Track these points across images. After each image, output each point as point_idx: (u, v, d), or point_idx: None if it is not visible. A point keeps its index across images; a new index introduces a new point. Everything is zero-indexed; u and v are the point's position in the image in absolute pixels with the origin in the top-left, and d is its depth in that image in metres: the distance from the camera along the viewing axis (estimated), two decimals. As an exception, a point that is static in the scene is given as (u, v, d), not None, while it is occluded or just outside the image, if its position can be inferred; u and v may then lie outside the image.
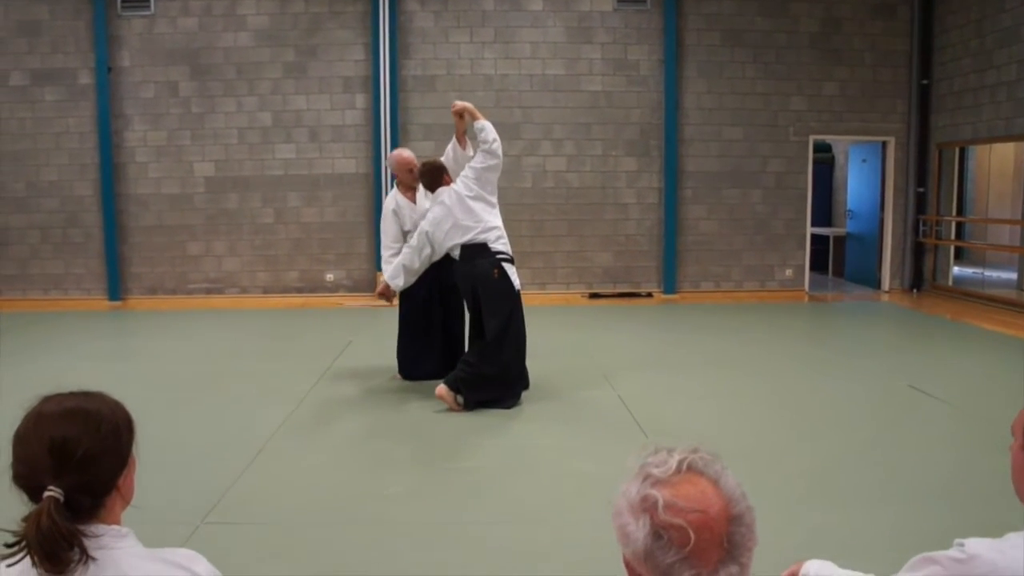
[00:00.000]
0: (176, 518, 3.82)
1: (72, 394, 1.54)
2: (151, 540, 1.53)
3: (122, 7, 10.93)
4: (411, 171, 6.42)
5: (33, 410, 1.49)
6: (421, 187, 6.27)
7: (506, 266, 5.79)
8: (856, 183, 12.71)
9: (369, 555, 3.57)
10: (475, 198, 5.82)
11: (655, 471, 1.24)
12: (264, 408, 5.81)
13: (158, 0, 10.96)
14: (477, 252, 5.76)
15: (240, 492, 4.26)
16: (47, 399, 1.52)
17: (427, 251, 5.95)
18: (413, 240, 6.04)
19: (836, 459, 4.69)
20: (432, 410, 5.74)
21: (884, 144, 11.66)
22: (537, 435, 5.25)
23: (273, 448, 5.00)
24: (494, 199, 5.93)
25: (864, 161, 12.31)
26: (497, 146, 5.85)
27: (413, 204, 6.45)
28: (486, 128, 5.90)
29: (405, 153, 6.68)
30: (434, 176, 6.01)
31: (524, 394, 6.05)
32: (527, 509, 4.04)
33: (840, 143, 13.53)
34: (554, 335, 8.66)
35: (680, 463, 1.24)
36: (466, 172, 5.89)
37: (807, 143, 11.44)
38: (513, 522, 3.89)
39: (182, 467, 4.53)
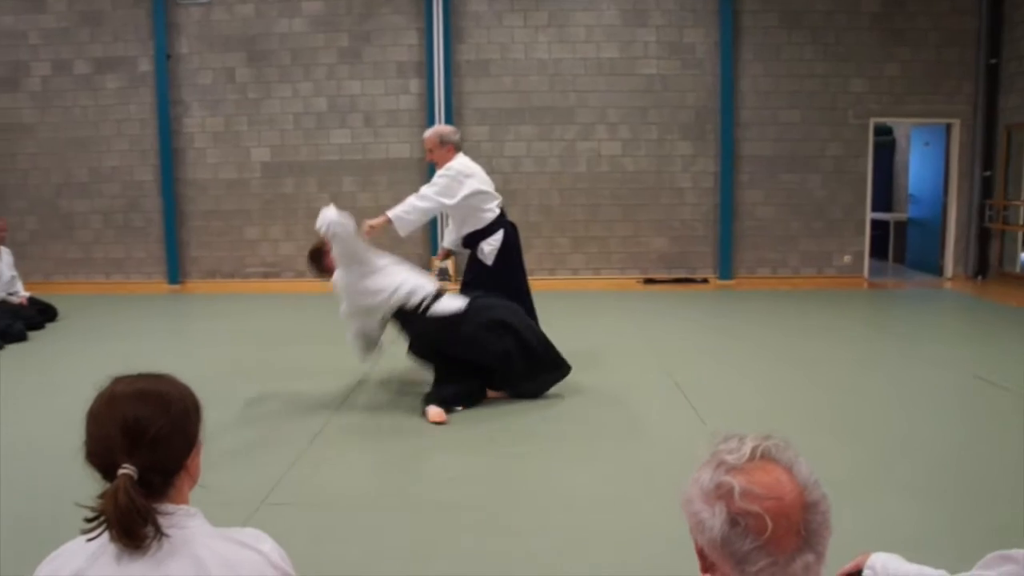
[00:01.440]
0: (237, 499, 3.87)
1: (143, 376, 1.57)
2: (214, 520, 1.55)
3: (181, -5, 11.09)
4: (429, 150, 6.03)
5: (106, 390, 1.53)
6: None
7: (435, 307, 5.36)
8: (918, 167, 12.38)
9: (424, 538, 3.57)
10: (361, 276, 5.32)
11: (728, 458, 1.23)
12: (321, 390, 5.86)
13: (215, -12, 11.10)
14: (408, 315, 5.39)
15: (298, 474, 4.30)
16: (119, 379, 1.55)
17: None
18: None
19: (900, 450, 4.56)
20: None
21: (948, 126, 11.32)
22: (592, 421, 5.21)
23: (330, 431, 5.05)
24: (373, 264, 5.33)
25: (927, 144, 11.98)
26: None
27: None
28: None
29: (428, 133, 6.17)
30: (315, 259, 5.62)
31: (579, 378, 5.98)
32: (582, 496, 4.00)
33: (902, 126, 13.18)
34: (608, 321, 8.63)
35: (754, 450, 1.23)
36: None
37: (867, 126, 11.16)
38: (568, 509, 3.86)
39: (241, 449, 4.59)
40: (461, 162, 5.92)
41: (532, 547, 3.45)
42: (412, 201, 5.72)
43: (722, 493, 1.20)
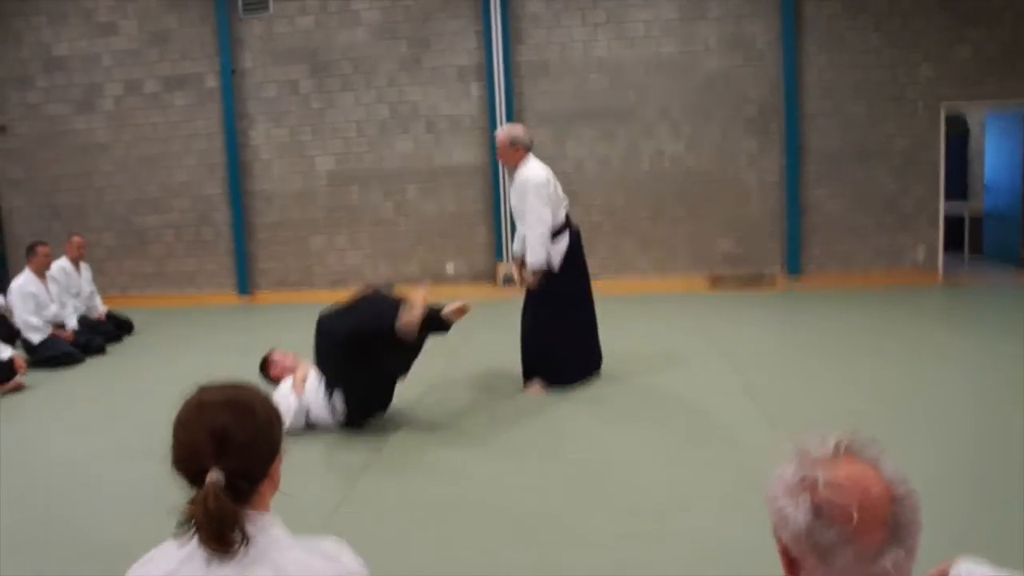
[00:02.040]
0: (309, 507, 3.93)
1: (229, 384, 1.61)
2: (290, 526, 1.57)
3: (243, 10, 11.31)
4: (500, 151, 6.06)
5: (194, 398, 1.57)
6: None
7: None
8: (994, 155, 11.96)
9: (492, 546, 3.58)
10: None
11: (812, 453, 1.22)
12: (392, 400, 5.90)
13: (276, 1, 11.28)
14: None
15: (369, 482, 4.36)
16: (206, 388, 1.59)
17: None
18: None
19: (984, 454, 4.42)
20: (554, 396, 5.74)
21: (1026, 111, 10.94)
22: (656, 424, 5.16)
23: (399, 439, 5.10)
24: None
25: (1004, 131, 11.58)
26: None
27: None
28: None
29: (500, 133, 6.14)
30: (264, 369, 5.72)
31: (647, 382, 6.00)
32: (647, 500, 3.97)
33: (975, 112, 12.76)
34: (675, 321, 8.53)
35: (838, 445, 1.22)
36: None
37: (938, 113, 10.80)
38: (633, 513, 3.83)
39: (313, 457, 4.65)
40: (535, 172, 5.93)
41: (613, 556, 3.42)
42: (531, 242, 5.83)
43: (806, 485, 1.19)
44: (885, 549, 1.14)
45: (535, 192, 5.81)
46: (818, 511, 1.16)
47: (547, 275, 5.90)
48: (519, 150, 5.93)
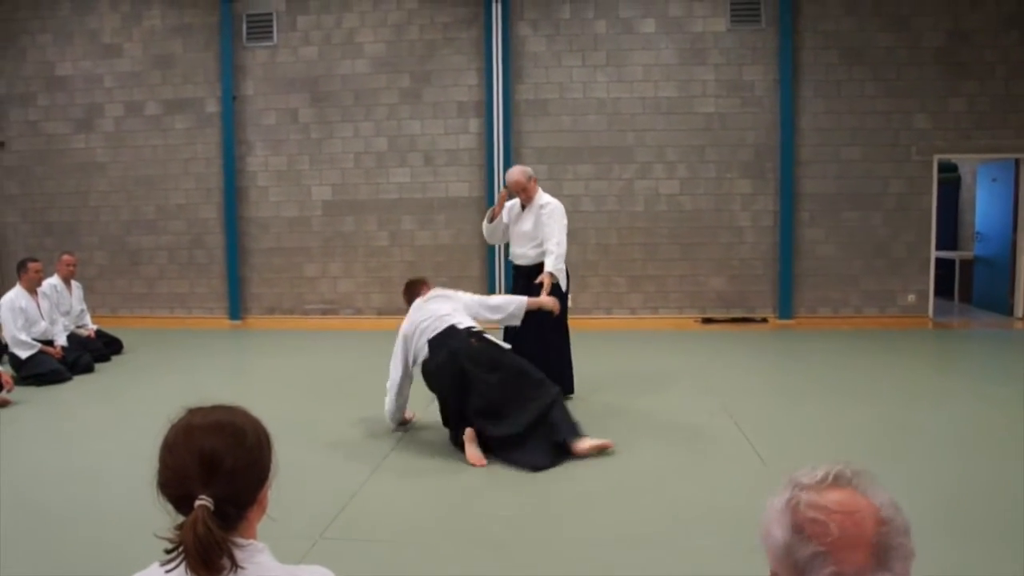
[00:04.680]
0: (297, 532, 3.90)
1: (218, 407, 1.58)
2: (275, 553, 1.54)
3: (247, 38, 11.41)
4: (523, 188, 6.67)
5: (182, 421, 1.53)
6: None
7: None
8: (985, 203, 12.09)
9: (481, 571, 3.57)
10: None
11: (803, 480, 1.23)
12: (379, 426, 5.90)
13: (280, 31, 11.39)
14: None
15: (357, 509, 4.34)
16: (194, 411, 1.56)
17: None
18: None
19: (968, 494, 4.44)
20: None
21: (1017, 161, 11.05)
22: (651, 460, 5.15)
23: (388, 465, 5.08)
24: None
25: (994, 180, 11.71)
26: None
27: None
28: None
29: (516, 174, 6.74)
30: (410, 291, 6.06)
31: (637, 416, 6.09)
32: (638, 533, 3.97)
33: (967, 162, 12.92)
34: (667, 360, 8.54)
35: (827, 473, 1.22)
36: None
37: (931, 162, 10.93)
38: (621, 545, 3.82)
39: (301, 483, 4.62)
40: (549, 197, 6.72)
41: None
42: (559, 254, 6.40)
43: (790, 506, 1.19)
44: (869, 572, 1.12)
45: (561, 213, 6.57)
46: (798, 528, 1.16)
47: (560, 294, 6.44)
48: (534, 181, 6.69)
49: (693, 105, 11.01)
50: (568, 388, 6.53)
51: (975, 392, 6.99)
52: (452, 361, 5.22)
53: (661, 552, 3.74)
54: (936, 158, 10.94)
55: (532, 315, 6.00)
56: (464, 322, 5.52)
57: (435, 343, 5.43)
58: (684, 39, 10.99)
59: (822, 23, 10.87)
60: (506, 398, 5.17)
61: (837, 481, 1.21)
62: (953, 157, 11.68)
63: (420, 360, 5.55)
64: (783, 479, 1.27)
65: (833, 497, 1.18)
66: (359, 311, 11.60)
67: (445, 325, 5.46)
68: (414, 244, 11.48)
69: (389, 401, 5.73)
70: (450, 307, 5.64)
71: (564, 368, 6.58)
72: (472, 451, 5.11)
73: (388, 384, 5.73)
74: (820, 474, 1.23)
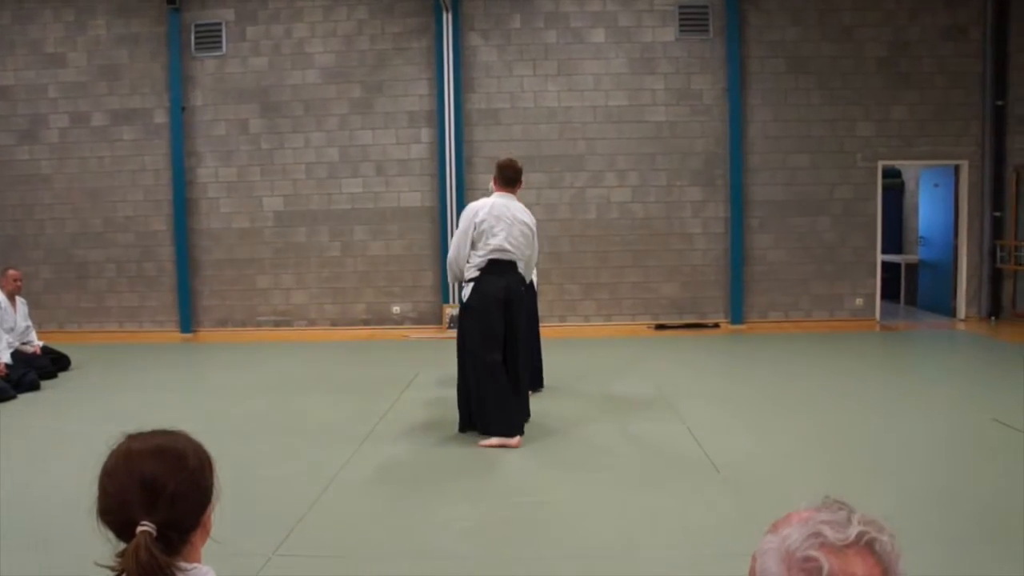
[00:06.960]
0: (249, 550, 3.84)
1: (158, 432, 1.57)
2: (228, 571, 1.53)
3: (196, 48, 11.29)
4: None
5: (122, 446, 1.51)
6: None
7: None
8: (928, 208, 12.40)
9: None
10: None
11: (829, 533, 1.12)
12: (332, 440, 5.85)
13: (230, 41, 11.29)
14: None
15: (310, 525, 4.29)
16: (134, 436, 1.54)
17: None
18: None
19: (919, 499, 4.49)
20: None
21: (957, 168, 11.36)
22: (603, 468, 5.18)
23: (342, 480, 5.03)
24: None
25: (936, 186, 12.02)
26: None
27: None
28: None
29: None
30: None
31: (593, 426, 6.06)
32: (594, 544, 3.98)
33: (910, 168, 13.23)
34: (620, 367, 8.60)
35: (860, 535, 1.12)
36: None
37: (875, 169, 11.20)
38: (579, 557, 3.84)
39: (252, 500, 4.56)
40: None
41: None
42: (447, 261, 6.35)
43: (808, 568, 1.09)
44: None
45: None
46: None
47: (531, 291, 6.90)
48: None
49: (643, 114, 11.14)
50: (538, 382, 7.18)
51: (921, 395, 7.15)
52: (507, 293, 5.77)
53: (611, 562, 3.76)
54: (880, 164, 11.22)
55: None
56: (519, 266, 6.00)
57: (496, 264, 5.82)
58: (634, 48, 11.11)
59: (768, 33, 11.07)
60: (517, 355, 5.83)
61: (868, 548, 1.11)
62: (896, 163, 11.98)
63: (481, 243, 5.85)
64: (806, 505, 1.19)
65: (855, 572, 1.08)
66: (312, 322, 11.52)
67: (510, 258, 5.88)
68: (367, 254, 11.43)
69: (451, 276, 6.18)
70: (524, 246, 6.03)
71: (536, 363, 7.16)
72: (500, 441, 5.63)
73: (448, 261, 6.09)
74: (852, 534, 1.12)
